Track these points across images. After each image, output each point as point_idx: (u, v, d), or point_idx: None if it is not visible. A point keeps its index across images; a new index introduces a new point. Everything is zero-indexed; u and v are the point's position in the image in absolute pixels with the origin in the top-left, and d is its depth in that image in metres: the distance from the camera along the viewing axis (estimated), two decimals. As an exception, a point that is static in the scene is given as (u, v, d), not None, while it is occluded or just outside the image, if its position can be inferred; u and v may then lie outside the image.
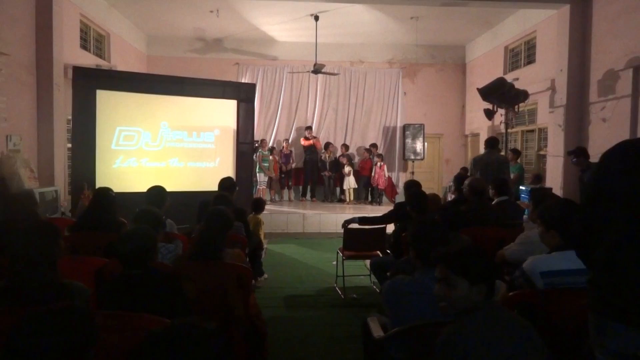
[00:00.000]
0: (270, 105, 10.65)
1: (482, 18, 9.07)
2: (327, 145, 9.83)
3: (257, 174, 9.13)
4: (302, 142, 9.88)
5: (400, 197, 9.19)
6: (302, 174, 10.29)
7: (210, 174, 6.79)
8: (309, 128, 10.05)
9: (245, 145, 7.22)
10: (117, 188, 4.15)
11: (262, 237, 5.34)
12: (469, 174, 5.70)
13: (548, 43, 7.85)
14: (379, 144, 10.64)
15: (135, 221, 2.64)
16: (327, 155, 9.97)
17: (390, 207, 4.96)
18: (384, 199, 10.37)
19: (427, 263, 1.91)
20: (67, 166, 7.03)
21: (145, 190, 3.73)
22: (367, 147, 10.29)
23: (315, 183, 10.22)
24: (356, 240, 4.70)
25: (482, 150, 6.59)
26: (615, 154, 1.39)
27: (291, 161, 10.12)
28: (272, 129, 10.74)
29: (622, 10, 6.15)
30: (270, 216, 7.92)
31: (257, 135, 9.72)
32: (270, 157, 9.68)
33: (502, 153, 6.44)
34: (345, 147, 10.23)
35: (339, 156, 10.10)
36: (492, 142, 5.63)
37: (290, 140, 10.45)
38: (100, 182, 5.93)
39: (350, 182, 9.95)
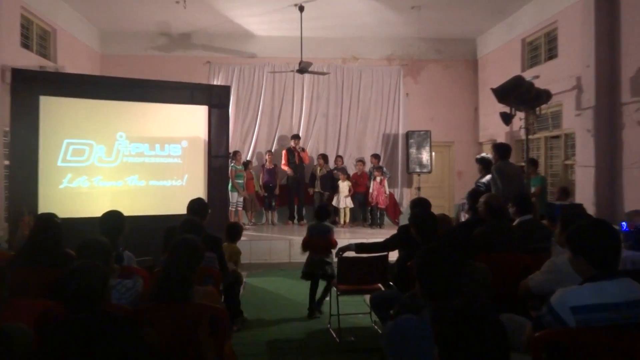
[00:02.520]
0: (248, 111, 10.70)
1: (495, 6, 9.13)
2: (323, 157, 9.94)
3: (230, 193, 9.08)
4: (283, 166, 9.92)
5: (404, 219, 9.02)
6: (286, 192, 10.29)
7: (177, 194, 6.81)
8: (296, 137, 10.06)
9: (219, 159, 7.26)
10: (63, 213, 4.17)
11: (239, 269, 5.36)
12: (492, 188, 5.69)
13: (572, 34, 7.92)
14: (382, 154, 10.87)
15: (79, 255, 2.64)
16: (318, 169, 10.07)
17: (393, 231, 4.99)
18: (386, 220, 10.45)
19: (436, 298, 1.90)
20: (4, 187, 7.03)
21: (98, 215, 3.73)
22: (360, 158, 10.44)
23: (302, 202, 10.21)
24: (353, 272, 4.66)
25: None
26: None
27: (276, 177, 10.12)
28: (251, 139, 10.80)
29: (655, -5, 6.17)
30: (250, 244, 7.92)
31: (233, 147, 9.80)
32: (245, 173, 9.74)
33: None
34: (340, 159, 10.32)
35: (333, 170, 10.16)
36: (504, 150, 5.66)
37: (273, 151, 10.54)
38: (43, 207, 5.89)
39: (346, 201, 10.00)
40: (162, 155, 7.02)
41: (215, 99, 7.22)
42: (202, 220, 4.04)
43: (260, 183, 10.15)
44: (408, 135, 10.79)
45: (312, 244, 5.42)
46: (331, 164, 10.43)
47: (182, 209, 4.47)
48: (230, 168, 8.78)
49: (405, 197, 11.02)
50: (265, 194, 10.23)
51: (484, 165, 6.27)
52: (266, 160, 10.25)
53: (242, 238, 5.53)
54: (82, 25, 9.85)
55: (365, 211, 10.31)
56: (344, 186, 10.00)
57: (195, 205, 4.31)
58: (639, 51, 6.64)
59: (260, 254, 8.00)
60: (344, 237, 8.49)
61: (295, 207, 10.41)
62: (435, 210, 4.32)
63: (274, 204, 10.37)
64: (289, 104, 10.80)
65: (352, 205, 10.11)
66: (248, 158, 10.51)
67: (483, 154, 6.83)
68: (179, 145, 7.07)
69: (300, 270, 5.53)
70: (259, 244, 8.14)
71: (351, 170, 10.57)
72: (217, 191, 7.23)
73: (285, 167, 9.87)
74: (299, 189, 10.15)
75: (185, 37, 10.64)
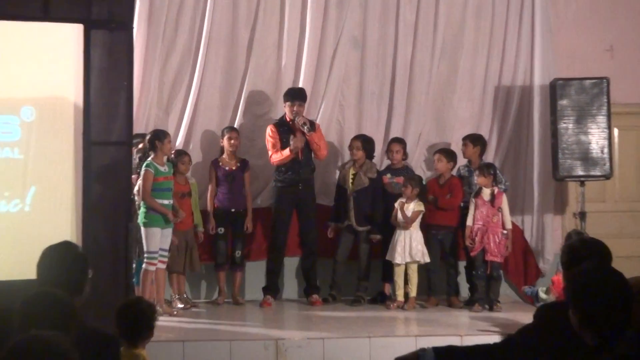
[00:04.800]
0: (177, 37, 7.56)
1: None
2: (362, 142, 7.29)
3: (142, 228, 6.54)
4: (273, 159, 7.27)
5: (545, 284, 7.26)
6: (272, 225, 7.28)
7: (13, 232, 5.85)
8: (295, 96, 7.16)
9: (111, 150, 6.13)
10: None
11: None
12: None
13: None
14: (488, 138, 7.77)
15: (22, 322, 2.68)
16: (351, 171, 7.24)
17: (520, 318, 5.43)
18: (508, 290, 7.60)
19: None
20: None
21: None
22: (445, 147, 7.66)
23: (312, 247, 7.13)
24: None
25: None
26: None
27: (244, 192, 7.21)
28: (186, 103, 7.56)
29: None
30: (182, 349, 6.04)
31: (145, 123, 7.26)
32: (174, 181, 6.94)
33: None
34: (398, 146, 7.35)
35: (385, 173, 7.53)
36: None
37: (238, 127, 7.56)
38: None
39: (411, 245, 6.99)
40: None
41: (100, 11, 6.03)
42: (72, 297, 3.08)
43: (210, 207, 7.17)
44: (555, 90, 7.47)
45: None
46: (378, 158, 7.49)
47: (25, 270, 3.98)
48: (142, 169, 6.63)
49: (551, 236, 7.75)
50: (220, 231, 7.00)
51: None
52: (223, 149, 7.19)
53: (160, 336, 4.80)
54: None
55: (452, 269, 7.25)
56: (407, 209, 7.03)
57: (56, 261, 3.32)
58: None
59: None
60: (411, 331, 6.71)
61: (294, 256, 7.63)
62: (624, 265, 3.72)
63: (238, 254, 7.03)
64: (272, 20, 7.63)
65: (424, 258, 6.86)
66: (179, 146, 7.32)
67: None
68: (16, 118, 5.87)
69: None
70: (203, 349, 6.20)
71: (424, 172, 7.78)
72: (107, 225, 6.00)
73: (277, 160, 7.17)
74: (303, 212, 7.20)
75: None
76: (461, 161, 7.16)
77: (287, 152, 6.75)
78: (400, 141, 7.07)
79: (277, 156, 6.80)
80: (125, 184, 5.97)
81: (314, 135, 6.68)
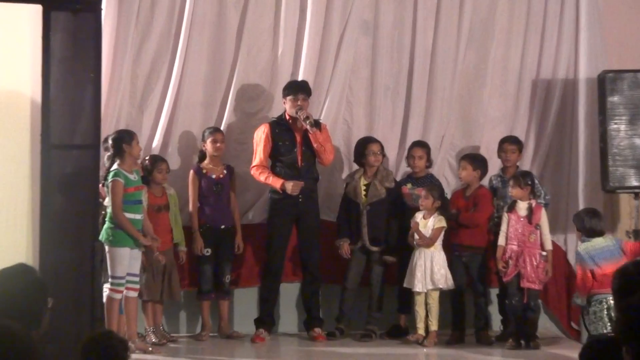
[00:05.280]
0: (153, 22, 7.15)
1: None
2: (370, 144, 6.97)
3: (107, 248, 6.11)
4: (263, 177, 6.89)
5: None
6: (267, 245, 6.90)
7: None
8: (298, 89, 6.81)
9: (75, 155, 5.90)
10: None
11: None
12: None
13: None
14: (524, 142, 7.45)
15: None
16: (361, 180, 6.94)
17: (564, 353, 5.91)
18: (549, 325, 7.21)
19: None
20: None
21: None
22: (472, 152, 7.36)
23: (315, 271, 6.72)
24: None
25: None
26: None
27: (230, 205, 6.88)
28: (166, 101, 7.06)
29: None
30: None
31: (114, 122, 6.87)
32: (148, 192, 6.67)
33: None
34: (420, 151, 7.07)
35: (404, 183, 7.25)
36: None
37: (224, 129, 7.23)
38: None
39: (433, 267, 6.66)
40: None
41: None
42: (29, 331, 2.86)
43: (195, 224, 6.79)
44: (604, 84, 7.06)
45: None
46: (392, 165, 7.24)
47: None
48: (108, 180, 6.21)
49: None
50: (206, 252, 6.59)
51: None
52: (205, 154, 6.80)
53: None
54: None
55: (481, 298, 6.81)
56: (425, 226, 6.70)
57: (9, 288, 3.16)
58: None
59: None
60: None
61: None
62: None
63: (227, 279, 6.66)
64: (266, 2, 7.18)
65: (448, 283, 6.51)
66: (156, 150, 6.97)
67: None
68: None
69: None
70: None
71: (448, 182, 7.41)
72: (70, 244, 5.63)
73: (266, 179, 6.72)
74: (303, 233, 6.79)
75: None
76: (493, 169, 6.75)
77: (276, 183, 6.38)
78: (423, 145, 6.63)
79: (262, 176, 6.41)
80: (92, 194, 5.57)
81: (319, 135, 6.27)
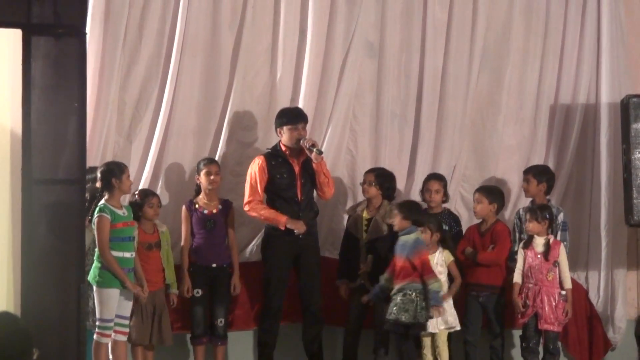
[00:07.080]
0: (141, 44, 6.88)
1: None
2: (375, 178, 6.72)
3: (95, 289, 5.91)
4: (257, 212, 6.66)
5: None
6: (265, 285, 6.67)
7: None
8: (296, 118, 6.62)
9: (59, 190, 5.71)
10: None
11: None
12: None
13: None
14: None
15: None
16: (364, 213, 6.79)
17: None
18: None
19: None
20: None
21: None
22: (486, 184, 7.17)
23: (317, 312, 6.56)
24: None
25: None
26: None
27: (225, 243, 6.60)
28: (156, 130, 6.88)
29: None
30: None
31: (100, 154, 6.67)
32: (138, 229, 6.34)
33: None
34: (439, 181, 6.94)
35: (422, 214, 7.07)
36: None
37: (219, 160, 6.95)
38: None
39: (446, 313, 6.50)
40: None
41: (43, 12, 5.62)
42: None
43: (185, 262, 6.51)
44: (627, 109, 6.94)
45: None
46: (400, 199, 6.98)
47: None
48: (94, 216, 6.02)
49: (623, 297, 7.16)
50: (196, 293, 6.43)
51: None
52: (200, 188, 6.56)
53: None
54: None
55: (498, 340, 6.54)
56: (432, 261, 6.45)
57: None
58: None
59: None
60: None
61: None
62: None
63: (221, 322, 6.40)
64: (265, 20, 6.89)
65: (456, 322, 6.36)
66: (146, 184, 6.69)
67: None
68: None
69: None
70: None
71: (461, 217, 7.19)
72: (54, 287, 5.46)
73: (269, 214, 6.53)
74: (304, 271, 6.53)
75: None
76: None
77: (280, 218, 6.13)
78: (439, 178, 6.45)
79: (263, 211, 6.12)
80: (77, 232, 5.28)
81: (324, 165, 6.04)
